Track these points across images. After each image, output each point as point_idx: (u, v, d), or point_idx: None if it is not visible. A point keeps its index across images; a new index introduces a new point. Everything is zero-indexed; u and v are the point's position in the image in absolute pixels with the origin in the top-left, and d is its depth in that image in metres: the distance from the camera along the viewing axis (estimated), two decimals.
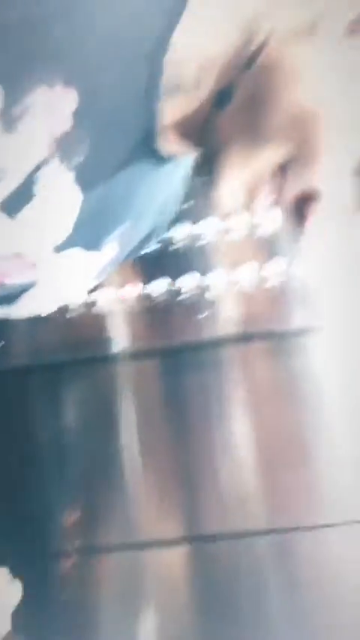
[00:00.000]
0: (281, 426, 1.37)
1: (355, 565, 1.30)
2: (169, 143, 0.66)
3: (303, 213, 0.61)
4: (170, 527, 1.41)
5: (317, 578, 1.32)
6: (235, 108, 0.61)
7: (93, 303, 1.36)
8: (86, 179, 0.62)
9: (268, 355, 1.38)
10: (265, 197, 0.61)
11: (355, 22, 0.59)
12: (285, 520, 1.35)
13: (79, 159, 0.61)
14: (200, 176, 0.64)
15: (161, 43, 0.60)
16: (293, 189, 0.61)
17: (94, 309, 1.37)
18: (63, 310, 1.35)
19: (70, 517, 1.44)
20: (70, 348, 1.41)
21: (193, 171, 0.67)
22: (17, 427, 1.45)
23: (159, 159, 0.67)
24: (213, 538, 1.37)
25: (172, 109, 0.63)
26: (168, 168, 0.70)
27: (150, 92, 0.61)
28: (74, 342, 1.40)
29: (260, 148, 0.60)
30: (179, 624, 1.37)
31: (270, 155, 0.60)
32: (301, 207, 0.61)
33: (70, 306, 1.36)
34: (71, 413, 1.46)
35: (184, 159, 0.71)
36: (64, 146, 0.59)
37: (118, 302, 1.36)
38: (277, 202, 0.62)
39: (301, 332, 1.35)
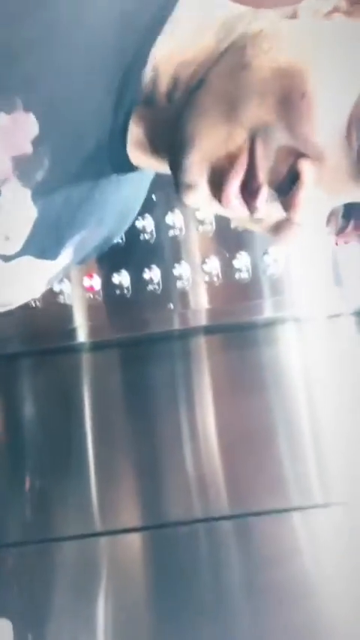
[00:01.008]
0: (243, 414, 1.39)
1: (314, 548, 1.36)
2: (135, 155, 0.65)
3: (296, 176, 0.55)
4: (131, 515, 1.41)
5: (277, 561, 1.37)
6: (211, 82, 0.58)
7: (58, 293, 1.33)
8: (43, 195, 0.62)
9: (233, 346, 1.40)
10: (237, 176, 0.56)
11: (330, 13, 0.59)
12: (246, 505, 1.38)
13: (37, 178, 0.60)
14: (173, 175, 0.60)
15: (141, 57, 0.59)
16: (281, 152, 0.55)
17: (59, 299, 1.33)
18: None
19: (29, 507, 1.42)
20: (32, 338, 1.38)
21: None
22: None
23: (123, 170, 0.66)
24: (175, 524, 1.38)
25: (141, 120, 0.62)
26: (132, 176, 0.68)
27: (120, 107, 0.60)
28: (37, 332, 1.37)
29: (241, 108, 0.55)
30: (137, 610, 1.38)
31: (251, 115, 0.55)
32: (294, 171, 0.55)
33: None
34: (32, 403, 1.43)
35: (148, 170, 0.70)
36: (22, 167, 0.59)
37: (84, 292, 1.34)
38: (256, 180, 0.56)
39: (268, 323, 1.37)
